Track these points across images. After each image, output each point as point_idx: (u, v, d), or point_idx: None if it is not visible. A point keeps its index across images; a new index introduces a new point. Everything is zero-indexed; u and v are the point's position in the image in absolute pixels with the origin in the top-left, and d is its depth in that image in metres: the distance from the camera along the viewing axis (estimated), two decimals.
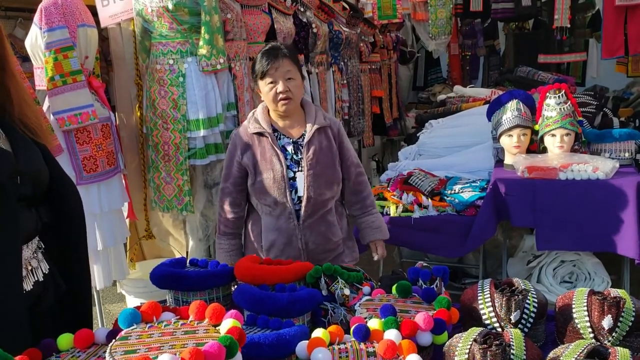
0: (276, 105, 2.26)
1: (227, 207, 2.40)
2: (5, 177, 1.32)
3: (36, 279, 1.43)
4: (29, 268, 1.41)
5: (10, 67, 1.44)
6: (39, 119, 1.55)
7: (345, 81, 5.26)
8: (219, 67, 2.96)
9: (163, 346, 1.08)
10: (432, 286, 1.64)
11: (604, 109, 3.82)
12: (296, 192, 2.31)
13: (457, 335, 1.31)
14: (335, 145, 2.37)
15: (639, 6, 5.22)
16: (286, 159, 2.30)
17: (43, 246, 1.50)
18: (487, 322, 1.44)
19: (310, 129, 2.32)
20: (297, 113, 2.36)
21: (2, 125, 1.42)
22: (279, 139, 2.33)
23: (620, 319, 1.33)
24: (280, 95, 2.23)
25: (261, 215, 2.38)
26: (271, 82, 2.23)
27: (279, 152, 2.28)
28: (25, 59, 3.02)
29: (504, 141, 3.15)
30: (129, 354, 1.05)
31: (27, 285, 1.39)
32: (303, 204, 2.30)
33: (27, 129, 1.48)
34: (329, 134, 2.37)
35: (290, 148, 2.32)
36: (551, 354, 1.23)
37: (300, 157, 2.32)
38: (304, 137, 2.33)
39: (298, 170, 2.31)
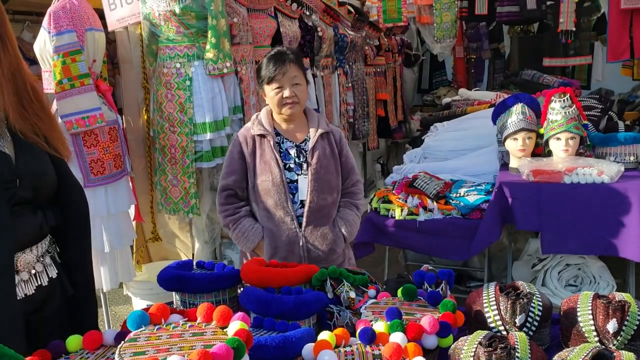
0: (281, 110, 2.27)
1: (229, 199, 2.34)
2: None
3: (39, 283, 1.42)
4: (32, 272, 1.41)
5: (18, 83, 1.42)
6: (49, 124, 1.55)
7: (350, 84, 5.27)
8: (225, 70, 2.98)
9: (171, 348, 1.09)
10: (437, 289, 1.65)
11: (609, 113, 3.81)
12: (298, 196, 2.30)
13: (462, 338, 1.31)
14: (336, 152, 2.38)
15: None
16: (287, 162, 2.30)
17: (56, 250, 1.50)
18: (492, 325, 1.45)
19: (313, 134, 2.33)
20: (301, 118, 2.38)
21: (10, 128, 1.43)
22: (282, 142, 2.33)
23: (625, 322, 1.34)
24: (286, 100, 2.25)
25: (260, 223, 2.33)
26: (278, 87, 2.24)
27: (277, 155, 2.27)
28: (32, 62, 3.05)
29: (509, 144, 3.16)
30: (138, 356, 1.07)
31: (29, 290, 1.39)
32: (305, 208, 2.29)
33: (37, 135, 1.47)
34: (332, 140, 2.38)
35: (293, 151, 2.32)
36: (556, 357, 1.24)
37: (303, 160, 2.32)
38: (306, 142, 2.34)
39: (300, 174, 2.30)
